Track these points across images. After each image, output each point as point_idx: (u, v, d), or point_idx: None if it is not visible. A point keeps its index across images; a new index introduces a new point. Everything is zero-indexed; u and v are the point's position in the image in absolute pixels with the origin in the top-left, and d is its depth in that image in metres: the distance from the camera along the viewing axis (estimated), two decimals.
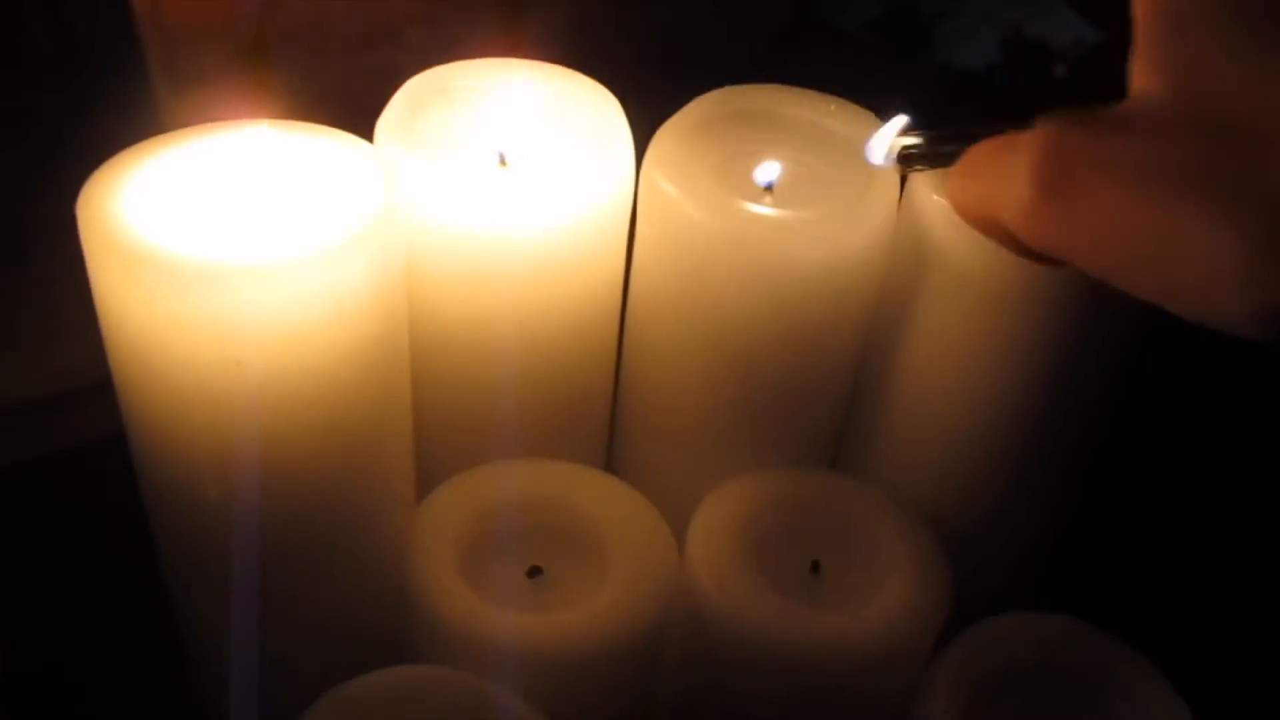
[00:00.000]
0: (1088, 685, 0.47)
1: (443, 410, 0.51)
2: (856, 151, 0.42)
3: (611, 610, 0.45)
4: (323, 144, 0.43)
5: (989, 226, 0.33)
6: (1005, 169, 0.32)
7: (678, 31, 0.75)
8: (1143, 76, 0.31)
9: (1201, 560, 0.61)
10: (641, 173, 0.49)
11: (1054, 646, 0.48)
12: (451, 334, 0.50)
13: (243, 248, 0.39)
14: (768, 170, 0.48)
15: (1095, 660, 0.47)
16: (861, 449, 0.54)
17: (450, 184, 0.46)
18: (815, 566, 0.48)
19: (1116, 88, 0.32)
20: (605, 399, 0.55)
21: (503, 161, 0.49)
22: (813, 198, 0.48)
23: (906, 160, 0.41)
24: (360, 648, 0.46)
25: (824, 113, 0.50)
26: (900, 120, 0.42)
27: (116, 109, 0.58)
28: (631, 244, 0.51)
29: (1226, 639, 0.58)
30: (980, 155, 0.34)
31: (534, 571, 0.47)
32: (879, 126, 0.42)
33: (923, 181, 0.48)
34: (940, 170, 0.38)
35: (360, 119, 0.47)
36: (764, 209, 0.46)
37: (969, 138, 0.35)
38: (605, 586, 0.46)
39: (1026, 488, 0.52)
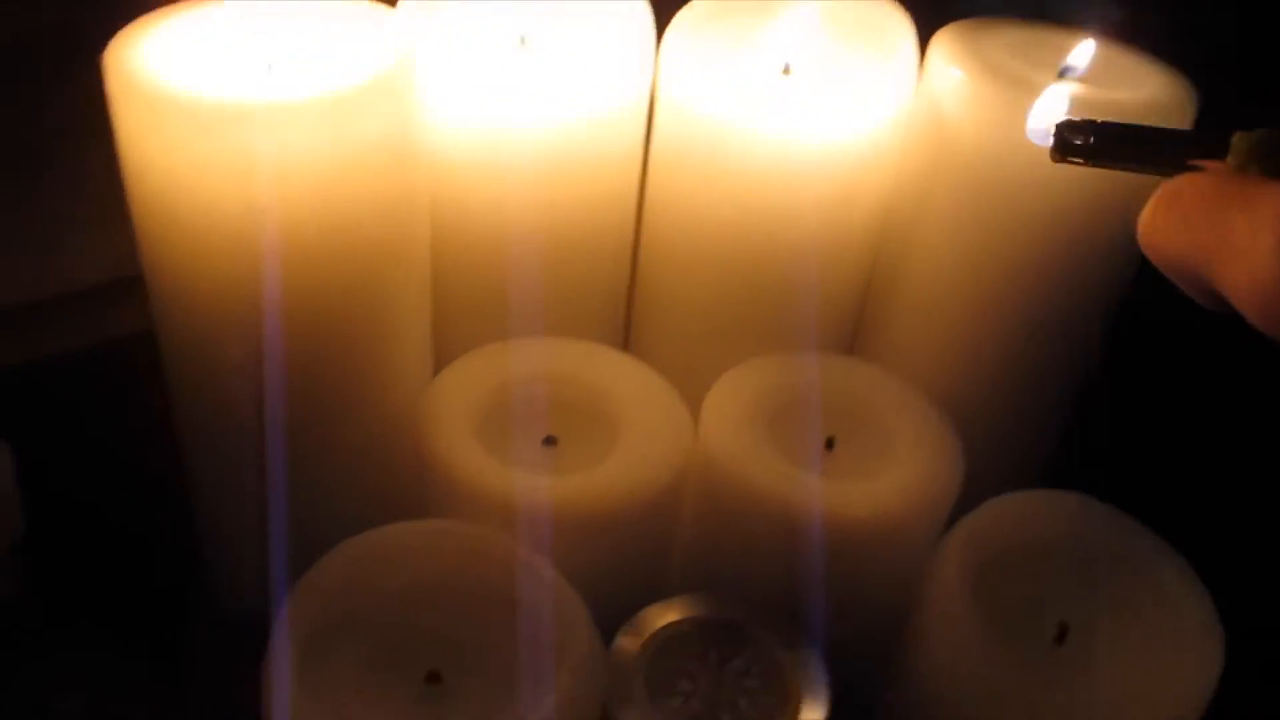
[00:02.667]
0: (1099, 562, 0.47)
1: (461, 291, 0.51)
2: (869, 29, 0.41)
3: (625, 472, 0.45)
4: (346, 8, 0.44)
5: (1192, 282, 0.28)
6: (1234, 231, 0.26)
7: None
8: None
9: (1215, 442, 0.61)
10: (659, 57, 0.49)
11: (1066, 523, 0.48)
12: (470, 215, 0.50)
13: (263, 91, 0.40)
14: (782, 50, 0.49)
15: (1107, 537, 0.47)
16: (877, 333, 0.54)
17: (469, 64, 0.47)
18: (830, 443, 0.48)
19: None
20: (622, 280, 0.56)
21: (523, 43, 0.49)
22: (829, 79, 0.48)
23: (1063, 147, 0.33)
24: (376, 513, 0.47)
25: None
26: (1065, 91, 0.35)
27: None
28: (650, 127, 0.52)
29: (1241, 519, 0.57)
30: (1195, 200, 0.28)
31: (549, 440, 0.47)
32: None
33: (938, 58, 0.48)
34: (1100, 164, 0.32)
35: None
36: (777, 91, 0.47)
37: (1152, 146, 0.31)
38: (619, 453, 0.46)
39: (1038, 368, 0.52)
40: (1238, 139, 0.29)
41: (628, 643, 0.44)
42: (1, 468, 0.39)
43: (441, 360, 0.50)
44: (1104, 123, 0.32)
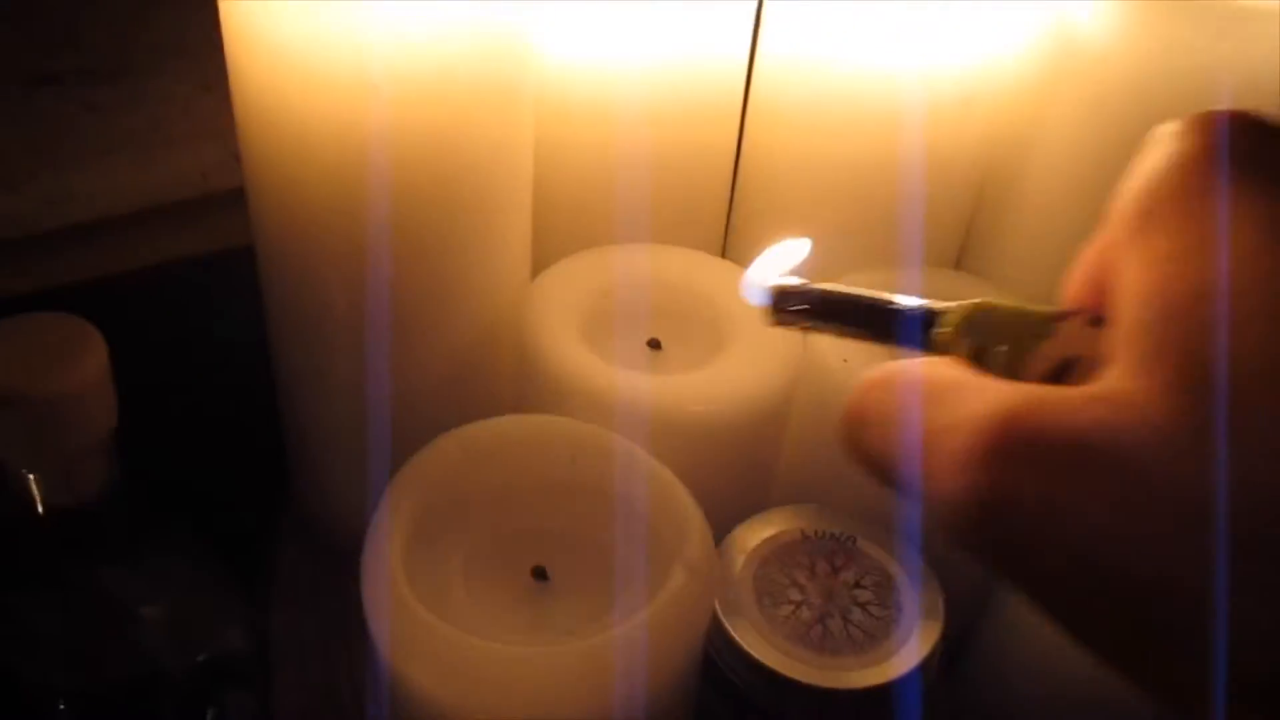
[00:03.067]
0: None
1: (562, 199, 0.50)
2: None
3: (736, 375, 0.44)
4: None
5: (887, 482, 0.25)
6: (928, 434, 0.23)
7: None
8: (1127, 368, 0.22)
9: None
10: None
11: None
12: (574, 121, 0.49)
13: None
14: None
15: None
16: (987, 246, 0.53)
17: None
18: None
19: None
20: (723, 194, 0.54)
21: None
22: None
23: (777, 312, 0.30)
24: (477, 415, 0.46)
25: None
26: (794, 249, 0.32)
27: None
28: (757, 37, 0.50)
29: None
30: (895, 392, 0.24)
31: (654, 344, 0.46)
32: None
33: None
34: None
35: None
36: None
37: (872, 317, 0.28)
38: (729, 358, 0.44)
39: None
40: (950, 312, 0.27)
41: (733, 552, 0.43)
42: (96, 354, 0.38)
43: (540, 268, 0.49)
44: (819, 291, 0.29)
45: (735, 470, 0.45)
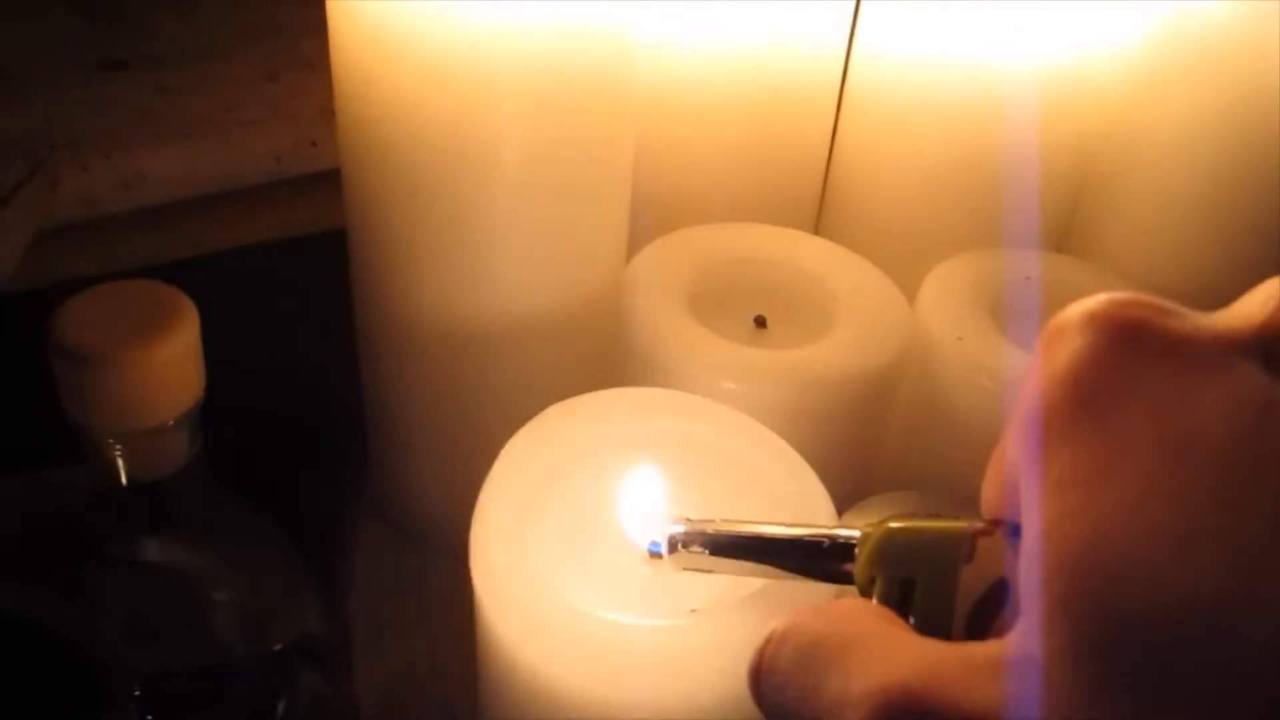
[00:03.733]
0: None
1: (661, 192, 0.49)
2: None
3: (847, 350, 0.42)
4: None
5: None
6: (825, 702, 0.22)
7: None
8: (1030, 623, 0.20)
9: None
10: None
11: None
12: (671, 109, 0.48)
13: None
14: None
15: None
16: (1089, 232, 0.51)
17: None
18: None
19: None
20: (816, 185, 0.53)
21: None
22: None
23: (680, 558, 0.31)
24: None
25: None
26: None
27: None
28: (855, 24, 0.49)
29: None
30: (804, 643, 0.23)
31: (760, 321, 0.44)
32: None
33: None
34: None
35: None
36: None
37: (780, 555, 0.28)
38: (838, 334, 0.43)
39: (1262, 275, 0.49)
40: (860, 544, 0.25)
41: None
42: (189, 323, 0.37)
43: (635, 244, 0.47)
44: (715, 534, 0.29)
45: (843, 447, 0.43)
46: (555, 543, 0.37)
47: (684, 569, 0.31)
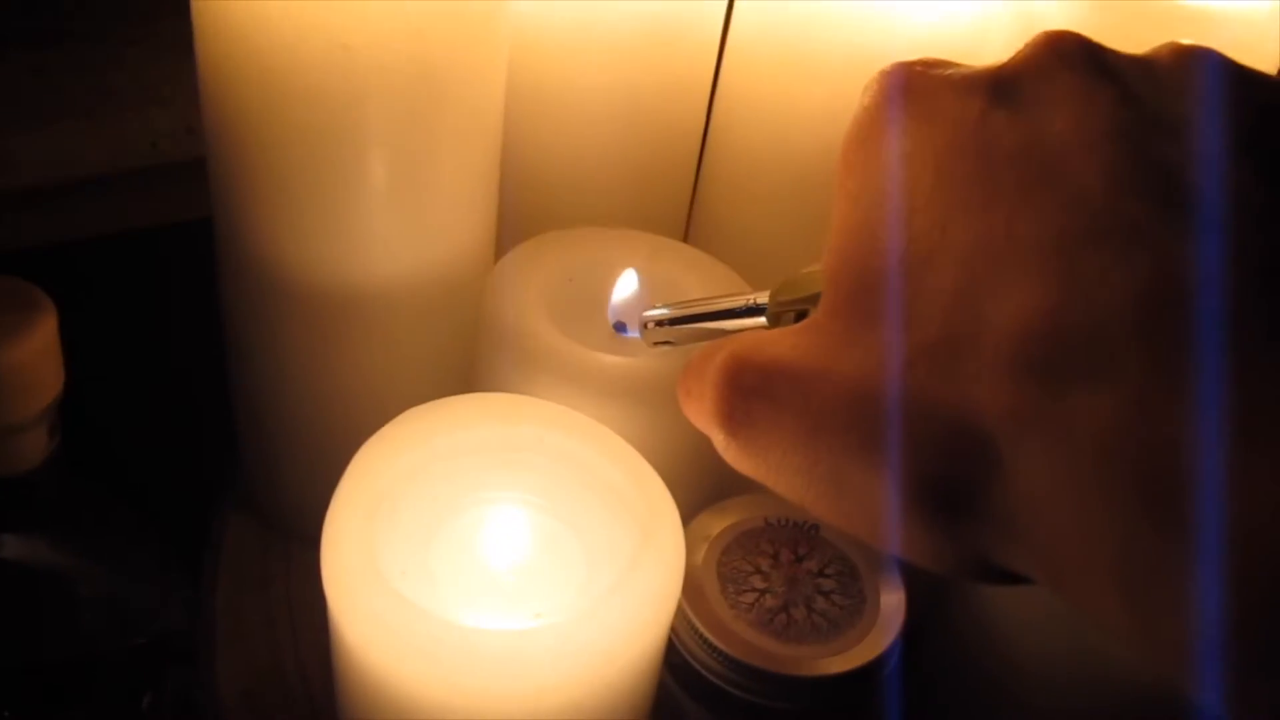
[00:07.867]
0: None
1: (528, 176, 0.49)
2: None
3: None
4: None
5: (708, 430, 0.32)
6: (701, 396, 0.30)
7: None
8: (824, 305, 0.29)
9: None
10: None
11: None
12: (544, 96, 0.48)
13: None
14: None
15: None
16: None
17: None
18: None
19: None
20: (689, 172, 0.54)
21: None
22: None
23: (651, 335, 0.40)
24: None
25: None
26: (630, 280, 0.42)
27: None
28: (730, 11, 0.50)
29: None
30: (690, 371, 0.32)
31: (620, 327, 0.45)
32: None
33: None
34: None
35: None
36: None
37: (724, 316, 0.36)
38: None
39: None
40: (770, 292, 0.34)
41: (696, 539, 0.43)
42: (45, 319, 0.37)
43: (504, 245, 0.48)
44: (678, 314, 0.39)
45: (699, 457, 0.44)
46: (405, 548, 0.38)
47: (654, 343, 0.40)
